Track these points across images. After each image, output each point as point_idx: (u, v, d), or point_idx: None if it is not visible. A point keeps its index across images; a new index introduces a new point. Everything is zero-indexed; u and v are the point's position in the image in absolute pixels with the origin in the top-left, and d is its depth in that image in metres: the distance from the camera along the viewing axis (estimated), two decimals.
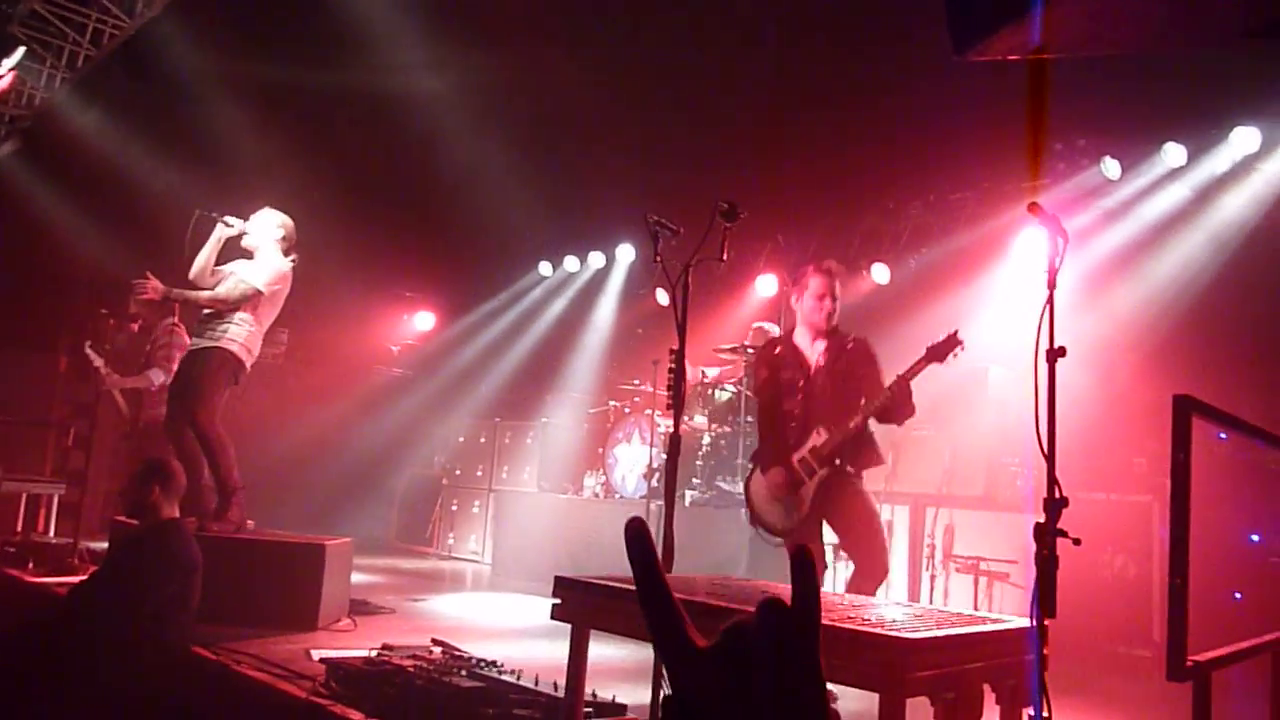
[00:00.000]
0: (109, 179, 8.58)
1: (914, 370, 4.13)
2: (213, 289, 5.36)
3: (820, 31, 7.12)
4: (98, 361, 6.44)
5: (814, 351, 4.47)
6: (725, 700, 0.62)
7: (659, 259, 3.79)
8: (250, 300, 5.31)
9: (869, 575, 4.15)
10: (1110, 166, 7.07)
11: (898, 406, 4.20)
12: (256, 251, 5.44)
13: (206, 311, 5.34)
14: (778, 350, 4.62)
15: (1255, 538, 5.41)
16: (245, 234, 5.42)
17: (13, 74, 7.38)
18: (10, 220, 9.20)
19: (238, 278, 5.32)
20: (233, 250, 5.51)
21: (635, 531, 0.66)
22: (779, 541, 4.48)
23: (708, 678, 0.63)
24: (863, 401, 4.31)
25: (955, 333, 4.13)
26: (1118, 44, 1.52)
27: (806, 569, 0.62)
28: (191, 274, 5.40)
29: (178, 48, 7.80)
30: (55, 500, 8.01)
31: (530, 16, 7.47)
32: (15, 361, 9.23)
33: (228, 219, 5.39)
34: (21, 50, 7.22)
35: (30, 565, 5.82)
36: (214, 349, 5.24)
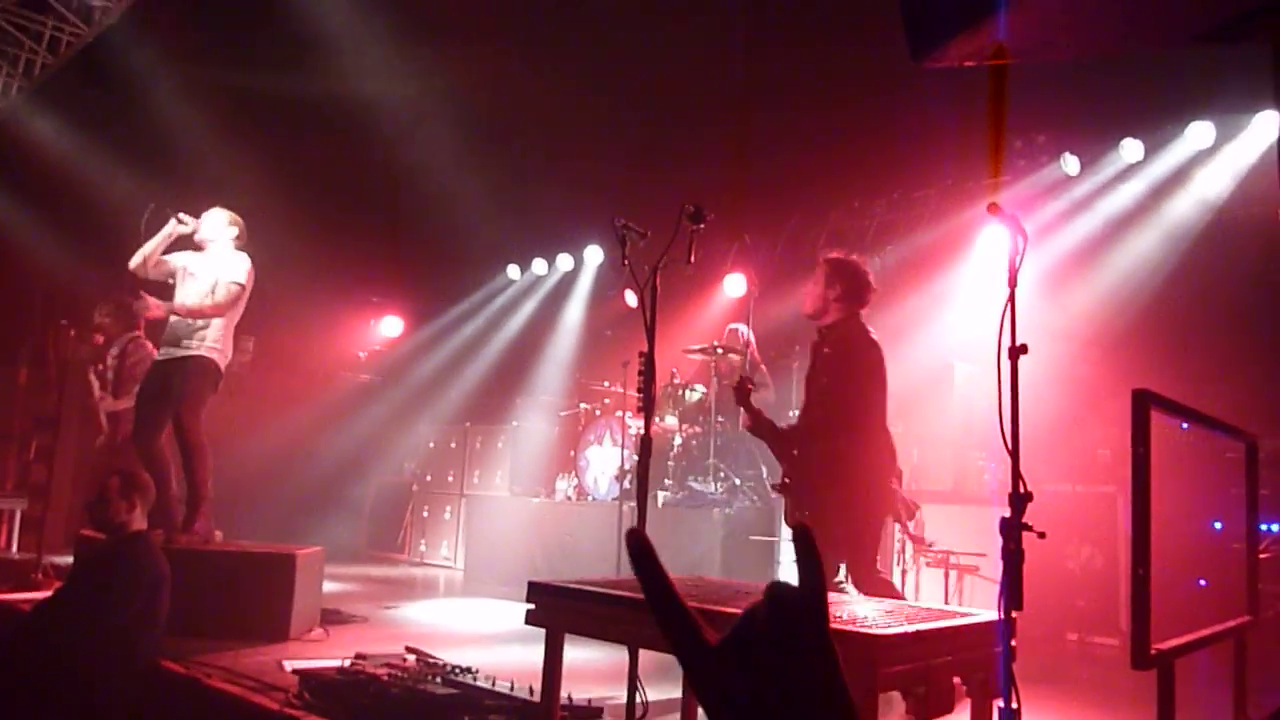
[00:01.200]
0: (67, 188, 8.46)
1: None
2: (160, 280, 5.37)
3: (783, 32, 7.18)
4: (96, 387, 6.38)
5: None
6: (745, 690, 0.62)
7: (626, 261, 3.80)
8: (237, 298, 5.28)
9: None
10: (1069, 162, 7.19)
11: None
12: (210, 246, 5.40)
13: (175, 319, 5.28)
14: None
15: (1218, 525, 5.53)
16: (196, 232, 5.37)
17: None
18: None
19: (216, 281, 5.26)
20: (181, 247, 5.47)
21: (639, 547, 0.67)
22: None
23: (725, 670, 0.64)
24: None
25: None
26: (1072, 49, 1.56)
27: (809, 548, 0.63)
28: (132, 264, 5.35)
29: (135, 54, 7.70)
30: (17, 515, 7.87)
31: (492, 20, 7.47)
32: None
33: (182, 215, 5.34)
34: None
35: None
36: (195, 357, 5.19)
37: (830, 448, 4.00)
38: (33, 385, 9.15)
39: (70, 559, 5.73)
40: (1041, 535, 2.26)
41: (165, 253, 5.39)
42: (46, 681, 3.72)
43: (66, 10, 7.39)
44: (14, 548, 7.61)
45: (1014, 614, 2.32)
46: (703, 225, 3.74)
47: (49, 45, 7.77)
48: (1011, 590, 2.25)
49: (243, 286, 5.30)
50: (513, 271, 11.46)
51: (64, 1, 7.31)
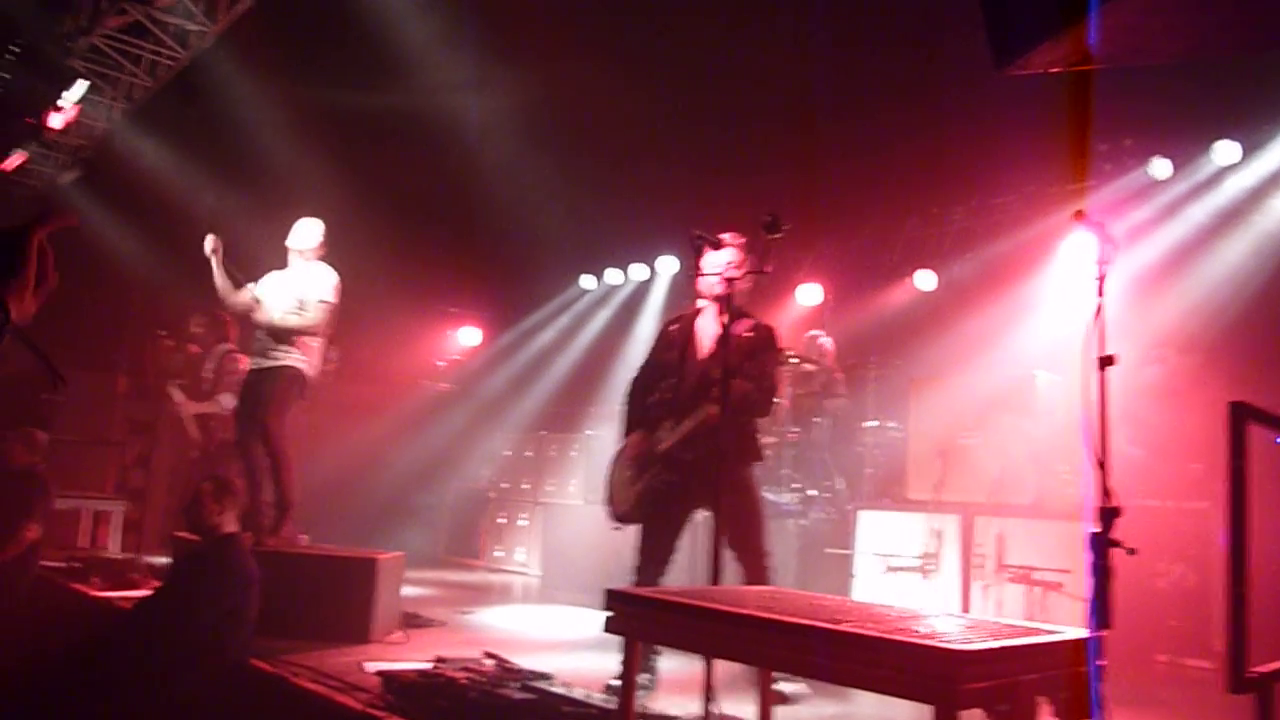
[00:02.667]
0: (164, 204, 8.84)
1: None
2: (249, 306, 5.52)
3: (861, 37, 7.11)
4: (178, 397, 6.66)
5: None
6: None
7: (701, 272, 3.82)
8: (329, 314, 5.47)
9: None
10: (1159, 166, 6.96)
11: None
12: (299, 258, 5.56)
13: (265, 333, 5.48)
14: None
15: None
16: (219, 247, 5.40)
17: (76, 108, 7.64)
18: (70, 245, 9.47)
19: (300, 299, 5.44)
20: (254, 265, 5.63)
21: None
22: None
23: None
24: None
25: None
26: (1156, 55, 1.52)
27: None
28: (221, 299, 5.53)
29: (226, 75, 8.02)
30: (118, 516, 8.23)
31: (569, 30, 7.56)
32: (75, 382, 9.49)
33: (208, 239, 5.40)
34: (83, 84, 7.47)
35: (95, 580, 5.99)
36: (283, 368, 5.39)
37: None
38: (131, 393, 9.56)
39: (167, 559, 5.97)
40: (1131, 551, 2.19)
41: (231, 278, 5.49)
42: (144, 675, 3.89)
43: (164, 35, 7.73)
44: (114, 547, 7.95)
45: (1102, 632, 2.25)
46: (779, 234, 3.74)
47: (149, 69, 8.14)
48: (1100, 607, 2.19)
49: (332, 303, 5.48)
50: (587, 281, 11.56)
51: (162, 26, 7.64)
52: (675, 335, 4.33)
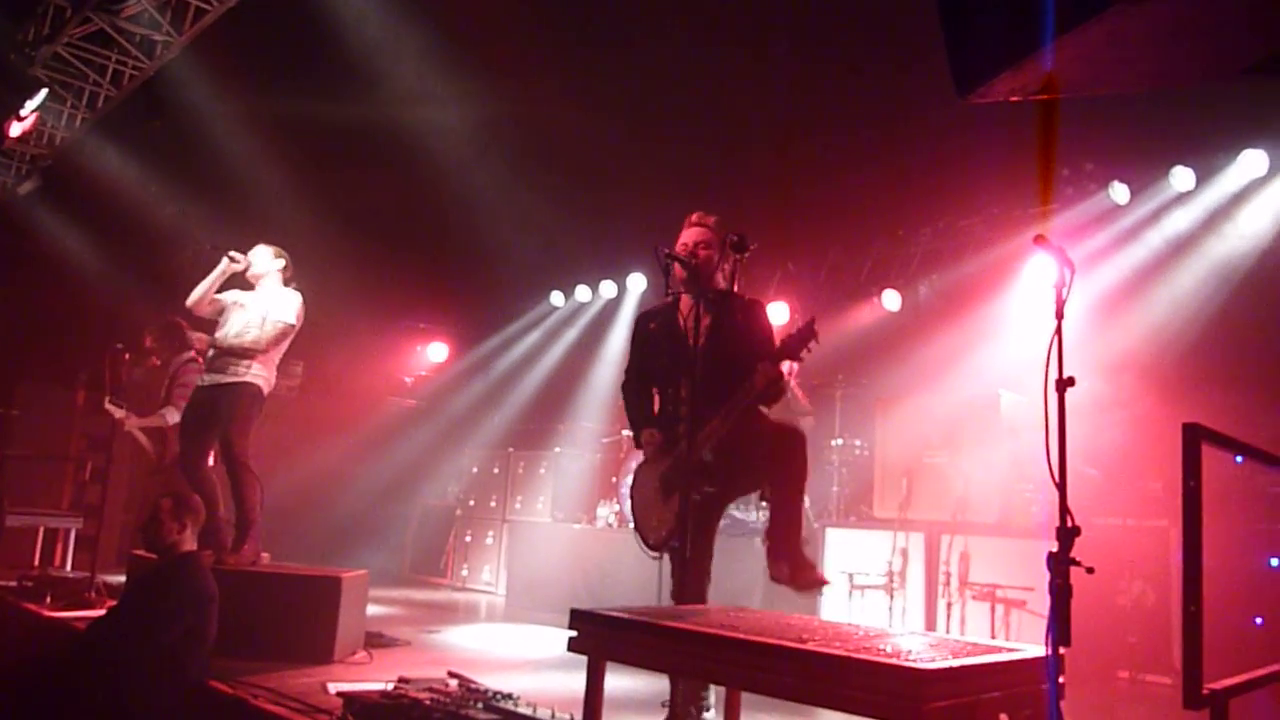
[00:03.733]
0: (125, 216, 8.73)
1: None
2: (214, 318, 5.52)
3: (828, 61, 7.20)
4: (119, 414, 6.52)
5: None
6: None
7: (670, 291, 3.83)
8: (284, 336, 5.41)
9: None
10: (1118, 191, 7.10)
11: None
12: (260, 282, 5.54)
13: (223, 349, 5.41)
14: None
15: (1275, 562, 5.37)
16: (248, 269, 5.52)
17: (35, 115, 7.52)
18: (29, 257, 9.35)
19: (264, 317, 5.40)
20: (231, 284, 5.61)
21: None
22: None
23: None
24: None
25: (812, 321, 3.60)
26: (1117, 84, 1.56)
27: None
28: (189, 301, 5.50)
29: (192, 88, 7.95)
30: (72, 534, 8.06)
31: (540, 49, 7.59)
32: (33, 396, 9.33)
33: (234, 253, 5.48)
34: (44, 92, 7.36)
35: (48, 599, 5.85)
36: (242, 384, 5.32)
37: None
38: (89, 408, 9.39)
39: (123, 578, 5.85)
40: (1090, 570, 2.22)
41: (218, 291, 5.54)
42: (98, 697, 3.80)
43: (129, 44, 7.65)
44: (69, 566, 7.78)
45: (1062, 650, 2.28)
46: (747, 254, 3.76)
47: (112, 78, 8.04)
48: (1059, 626, 2.21)
49: (292, 326, 5.44)
50: (556, 298, 11.56)
51: (127, 36, 7.56)
52: (658, 333, 4.03)
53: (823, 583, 3.58)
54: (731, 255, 3.80)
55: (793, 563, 3.49)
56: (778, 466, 3.63)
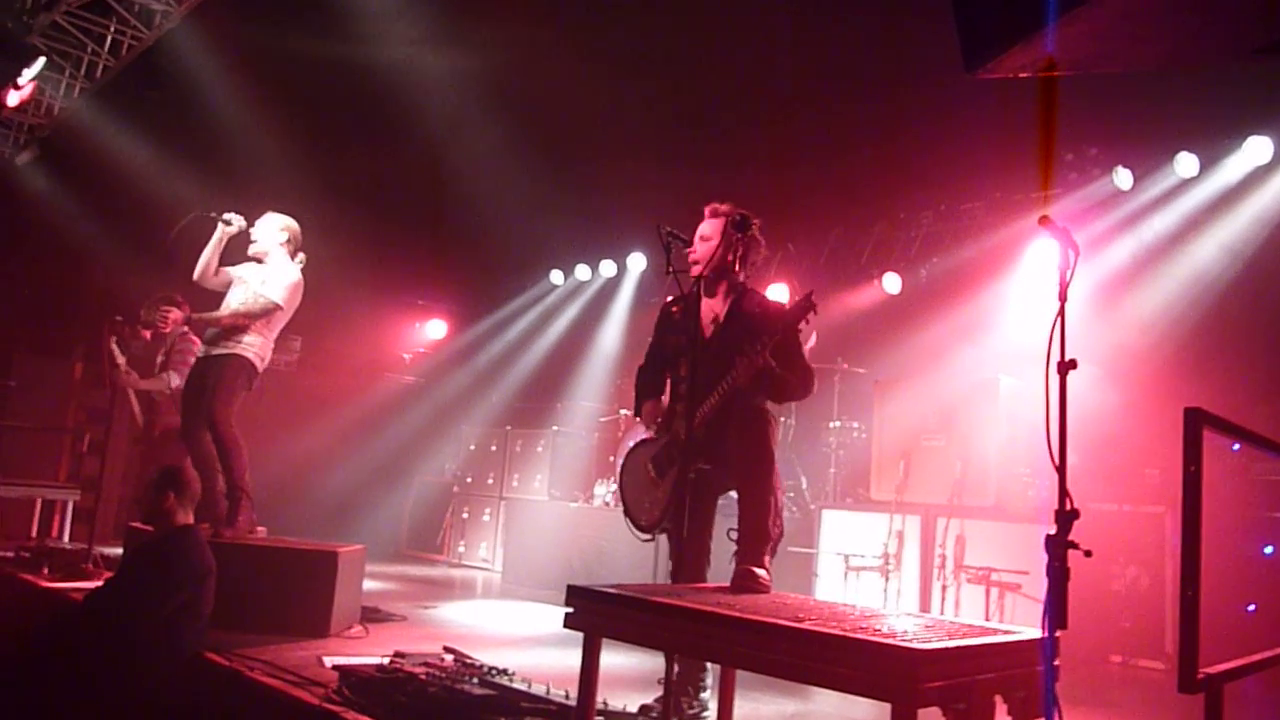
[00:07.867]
0: (124, 187, 8.67)
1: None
2: (222, 291, 5.47)
3: (832, 41, 7.15)
4: (120, 359, 6.46)
5: None
6: None
7: (671, 270, 3.81)
8: (269, 313, 5.37)
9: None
10: (1122, 176, 7.07)
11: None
12: (265, 256, 5.49)
13: (216, 323, 5.39)
14: None
15: (1269, 550, 5.39)
16: (246, 230, 5.44)
17: (33, 84, 7.46)
18: (27, 227, 9.31)
19: (256, 292, 5.37)
20: (236, 250, 5.55)
21: None
22: None
23: None
24: None
25: (810, 293, 3.58)
26: (1125, 62, 1.54)
27: None
28: (195, 275, 5.44)
29: (193, 58, 7.88)
30: (70, 506, 8.07)
31: (543, 27, 7.52)
32: (31, 368, 9.30)
33: (227, 216, 5.40)
34: (42, 60, 7.30)
35: (45, 570, 5.86)
36: (231, 356, 5.30)
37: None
38: (87, 380, 9.39)
39: (120, 550, 5.86)
40: (1088, 553, 2.22)
41: (224, 261, 5.49)
42: (95, 668, 3.82)
43: (128, 13, 7.58)
44: (66, 538, 7.79)
45: (1058, 633, 2.28)
46: (749, 233, 3.74)
47: (110, 48, 7.97)
48: (1056, 609, 2.21)
49: (276, 305, 5.37)
50: (556, 277, 11.53)
51: (126, 4, 7.49)
52: (679, 317, 3.99)
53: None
54: (734, 235, 3.80)
55: (741, 572, 3.47)
56: (744, 483, 3.62)
